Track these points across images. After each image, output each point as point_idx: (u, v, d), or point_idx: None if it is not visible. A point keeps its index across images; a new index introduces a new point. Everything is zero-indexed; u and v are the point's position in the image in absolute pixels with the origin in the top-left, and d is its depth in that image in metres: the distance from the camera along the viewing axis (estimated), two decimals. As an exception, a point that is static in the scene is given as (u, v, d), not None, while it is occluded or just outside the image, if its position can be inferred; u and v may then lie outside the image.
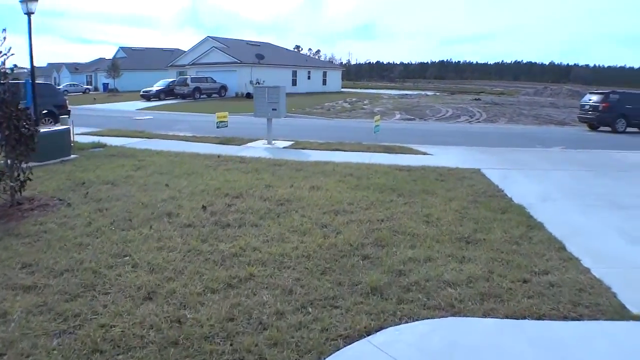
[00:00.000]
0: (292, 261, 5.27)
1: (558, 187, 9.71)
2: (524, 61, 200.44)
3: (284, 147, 14.55)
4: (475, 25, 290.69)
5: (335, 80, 65.37)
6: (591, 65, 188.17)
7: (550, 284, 4.86)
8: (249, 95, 44.32)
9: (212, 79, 46.51)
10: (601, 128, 24.52)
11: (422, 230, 6.37)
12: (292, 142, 15.48)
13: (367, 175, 10.04)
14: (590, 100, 24.88)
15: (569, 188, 9.69)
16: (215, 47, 51.02)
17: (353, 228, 6.37)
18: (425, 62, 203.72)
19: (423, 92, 69.50)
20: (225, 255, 5.43)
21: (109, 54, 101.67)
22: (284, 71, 54.45)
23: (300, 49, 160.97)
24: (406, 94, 59.84)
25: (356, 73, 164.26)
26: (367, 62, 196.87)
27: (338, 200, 7.79)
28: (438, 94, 68.38)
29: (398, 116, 28.31)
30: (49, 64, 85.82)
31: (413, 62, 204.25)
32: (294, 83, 55.54)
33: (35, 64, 16.28)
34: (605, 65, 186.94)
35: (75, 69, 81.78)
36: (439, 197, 8.29)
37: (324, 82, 62.37)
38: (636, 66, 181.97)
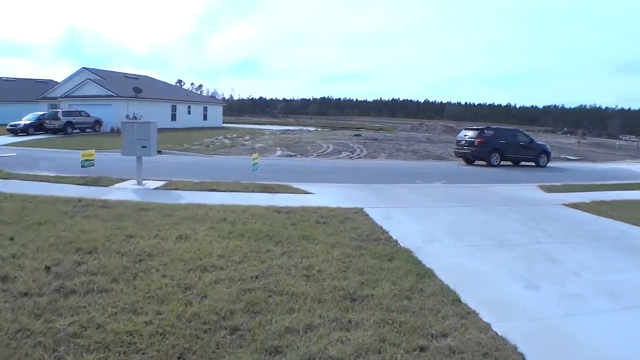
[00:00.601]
0: (144, 342, 4.19)
1: (442, 226, 9.40)
2: (401, 98, 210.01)
3: (155, 188, 13.27)
4: (353, 64, 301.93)
5: (216, 115, 64.28)
6: (462, 102, 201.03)
7: (451, 349, 4.22)
8: (124, 131, 42.06)
9: (85, 112, 43.56)
10: (477, 162, 25.48)
11: (302, 287, 5.56)
12: (165, 182, 14.21)
13: (243, 219, 9.12)
14: (465, 135, 25.93)
15: (453, 226, 9.42)
16: (90, 79, 48.14)
17: (221, 290, 5.40)
18: (307, 98, 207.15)
19: (305, 128, 70.10)
20: (60, 337, 4.24)
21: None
22: (162, 105, 52.54)
23: (182, 83, 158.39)
24: (288, 130, 59.92)
25: (239, 108, 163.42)
26: (250, 97, 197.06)
27: (207, 253, 6.80)
28: (319, 129, 69.28)
29: (279, 152, 27.80)
30: None
31: (295, 98, 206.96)
32: (174, 118, 53.71)
33: None
34: (475, 103, 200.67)
35: None
36: (320, 244, 7.55)
37: (205, 117, 61.03)
38: (503, 103, 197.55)
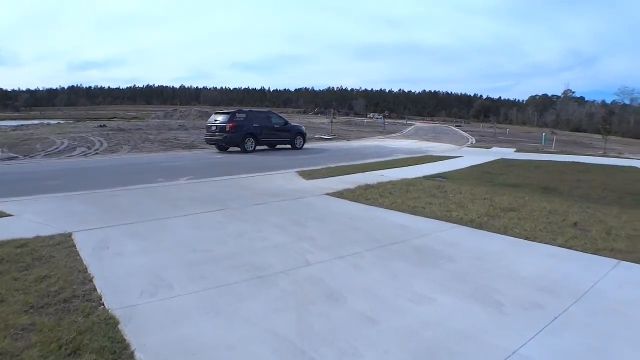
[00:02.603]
0: None
1: (179, 252, 6.70)
2: (156, 85, 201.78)
3: None
4: (105, 49, 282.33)
5: None
6: (218, 87, 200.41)
7: None
8: None
9: None
10: (231, 149, 23.27)
11: None
12: None
13: None
14: (216, 120, 23.40)
15: (193, 250, 6.76)
16: None
17: None
18: (55, 88, 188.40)
19: (46, 122, 61.83)
20: None
21: None
22: None
23: None
24: (24, 125, 51.77)
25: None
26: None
27: None
28: (63, 122, 61.76)
29: (-3, 154, 22.51)
30: None
31: (41, 89, 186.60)
32: None
33: None
34: (231, 87, 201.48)
35: None
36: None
37: None
38: (258, 87, 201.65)
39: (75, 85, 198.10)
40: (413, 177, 13.93)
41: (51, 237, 7.57)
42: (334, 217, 8.82)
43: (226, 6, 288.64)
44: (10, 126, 49.65)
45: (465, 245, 7.13)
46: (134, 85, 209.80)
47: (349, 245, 6.92)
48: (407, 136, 46.01)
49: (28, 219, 9.01)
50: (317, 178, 13.60)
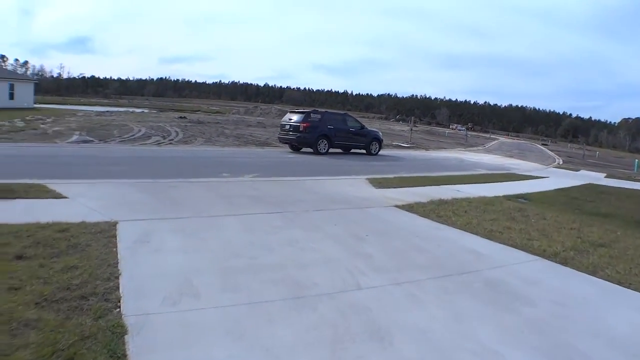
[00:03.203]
0: None
1: (220, 255, 6.08)
2: (241, 82, 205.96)
3: None
4: (195, 45, 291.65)
5: (26, 94, 55.12)
6: (301, 88, 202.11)
7: None
8: None
9: None
10: (303, 149, 22.72)
11: None
12: None
13: None
14: (290, 119, 22.83)
15: (236, 255, 6.11)
16: None
17: None
18: (144, 79, 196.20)
19: (132, 110, 63.92)
20: None
21: None
22: (-47, 82, 43.93)
23: (4, 59, 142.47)
24: (107, 111, 53.48)
25: (68, 87, 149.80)
26: (81, 75, 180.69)
27: None
28: (147, 111, 63.64)
29: (75, 137, 22.93)
30: None
31: (131, 79, 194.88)
32: (-33, 96, 45.34)
33: None
34: (314, 89, 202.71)
35: None
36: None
37: (12, 97, 52.06)
38: (341, 91, 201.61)
39: (163, 77, 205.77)
40: (492, 195, 12.76)
41: (96, 224, 7.19)
42: (398, 233, 7.95)
43: (312, 9, 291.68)
44: (95, 111, 51.50)
45: (547, 285, 6.04)
46: (220, 81, 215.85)
47: (410, 270, 6.05)
48: (490, 151, 44.12)
49: (81, 203, 8.73)
50: (388, 187, 12.73)
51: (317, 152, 21.88)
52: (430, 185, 13.70)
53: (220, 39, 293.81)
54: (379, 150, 24.97)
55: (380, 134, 26.42)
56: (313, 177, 14.01)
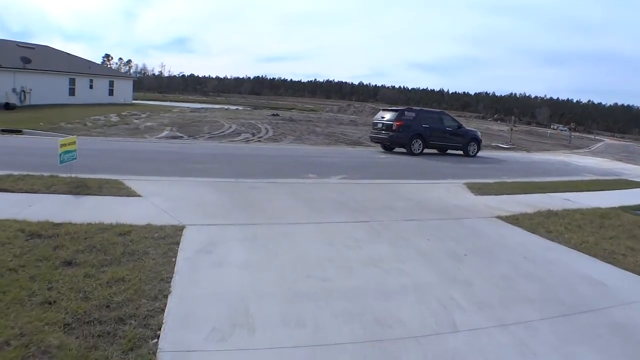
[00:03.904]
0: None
1: (288, 276, 5.17)
2: (335, 80, 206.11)
3: None
4: (289, 44, 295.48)
5: (125, 91, 57.60)
6: (396, 86, 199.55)
7: None
8: (7, 106, 36.03)
9: (-39, 85, 37.14)
10: (396, 149, 21.50)
11: None
12: None
13: None
14: (383, 117, 21.53)
15: (307, 276, 5.18)
16: (-29, 48, 41.40)
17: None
18: (241, 77, 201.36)
19: (226, 107, 65.03)
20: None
21: None
22: (58, 78, 45.69)
23: (110, 58, 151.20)
24: (203, 108, 54.56)
25: (168, 85, 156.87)
26: (181, 74, 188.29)
27: None
28: (241, 108, 64.59)
29: (165, 133, 23.02)
30: None
31: (229, 77, 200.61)
32: (72, 92, 47.07)
33: None
34: (409, 87, 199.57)
35: None
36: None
37: (111, 93, 54.28)
38: (437, 89, 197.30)
39: (260, 76, 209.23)
40: (607, 206, 11.01)
41: (161, 227, 6.59)
42: (503, 252, 6.71)
43: (407, 6, 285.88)
44: (191, 108, 52.61)
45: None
46: (315, 79, 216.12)
47: (518, 305, 4.84)
48: (596, 153, 40.75)
49: (152, 202, 8.22)
50: (489, 194, 11.38)
51: (410, 153, 20.54)
52: (536, 192, 12.17)
53: (315, 38, 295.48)
54: (477, 152, 23.20)
55: (479, 134, 24.57)
56: (405, 180, 12.89)
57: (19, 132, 20.77)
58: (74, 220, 6.66)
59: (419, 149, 20.73)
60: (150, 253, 5.58)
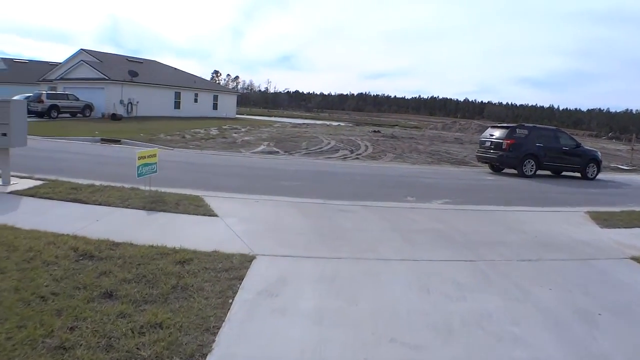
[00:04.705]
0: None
1: (362, 339, 4.00)
2: (440, 97, 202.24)
3: (14, 192, 8.78)
4: (393, 61, 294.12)
5: (229, 105, 58.81)
6: (503, 102, 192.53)
7: None
8: (114, 117, 37.64)
9: (74, 96, 38.84)
10: (506, 170, 19.65)
11: None
12: (42, 183, 9.59)
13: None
14: (492, 135, 19.66)
15: (391, 339, 3.99)
16: (85, 61, 43.46)
17: None
18: (345, 93, 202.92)
19: (328, 123, 64.99)
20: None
21: None
22: (164, 92, 47.46)
23: (218, 74, 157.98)
24: (304, 123, 54.56)
25: (274, 100, 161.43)
26: (286, 90, 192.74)
27: None
28: (343, 124, 64.28)
29: (262, 148, 22.58)
30: None
31: (333, 93, 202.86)
32: (177, 106, 48.78)
33: None
34: (517, 104, 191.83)
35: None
36: None
37: (215, 107, 55.57)
38: (546, 105, 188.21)
39: (363, 92, 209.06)
40: None
41: (229, 256, 5.73)
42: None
43: (514, 19, 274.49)
44: (292, 123, 52.78)
45: None
46: (419, 95, 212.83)
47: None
48: None
49: (227, 224, 7.47)
50: (616, 227, 9.58)
51: (522, 175, 18.58)
52: (676, 225, 10.23)
53: (419, 54, 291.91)
54: (597, 174, 20.65)
55: (599, 154, 21.97)
56: (517, 207, 11.27)
57: (117, 142, 21.15)
58: (135, 241, 5.98)
59: (531, 171, 18.75)
60: (206, 290, 4.68)
